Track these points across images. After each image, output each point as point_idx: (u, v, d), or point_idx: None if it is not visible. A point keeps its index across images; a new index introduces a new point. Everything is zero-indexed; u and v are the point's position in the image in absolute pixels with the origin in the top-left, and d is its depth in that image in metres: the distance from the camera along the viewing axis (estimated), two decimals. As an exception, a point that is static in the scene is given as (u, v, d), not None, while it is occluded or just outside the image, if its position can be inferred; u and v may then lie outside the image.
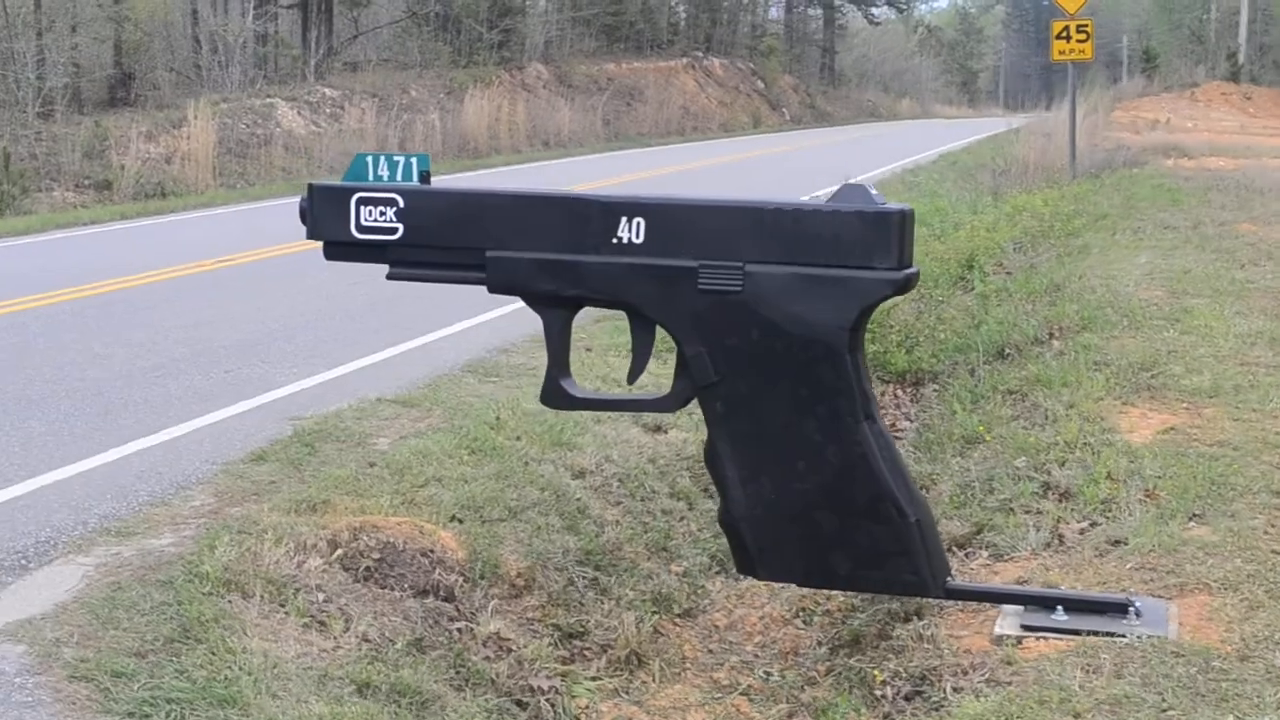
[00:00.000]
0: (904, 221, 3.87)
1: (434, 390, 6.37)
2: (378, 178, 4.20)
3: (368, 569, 4.29)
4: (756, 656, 4.69)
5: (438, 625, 4.21)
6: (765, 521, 4.00)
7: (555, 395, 4.15)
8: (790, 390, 3.93)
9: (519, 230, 4.05)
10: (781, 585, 5.18)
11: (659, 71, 37.39)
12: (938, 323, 8.64)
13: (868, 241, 3.89)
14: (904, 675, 3.95)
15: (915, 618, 4.37)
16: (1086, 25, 14.33)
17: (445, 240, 4.11)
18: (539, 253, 4.02)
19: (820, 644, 4.69)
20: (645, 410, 4.37)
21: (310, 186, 4.14)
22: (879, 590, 4.22)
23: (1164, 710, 3.38)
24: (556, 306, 4.07)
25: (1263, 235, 10.24)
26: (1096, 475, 5.08)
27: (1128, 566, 4.35)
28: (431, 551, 4.45)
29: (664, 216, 3.99)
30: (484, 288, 4.10)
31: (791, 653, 4.70)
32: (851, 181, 4.00)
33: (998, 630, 3.96)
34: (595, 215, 4.00)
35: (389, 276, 4.11)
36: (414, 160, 4.19)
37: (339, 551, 4.31)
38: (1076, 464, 5.25)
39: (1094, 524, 4.76)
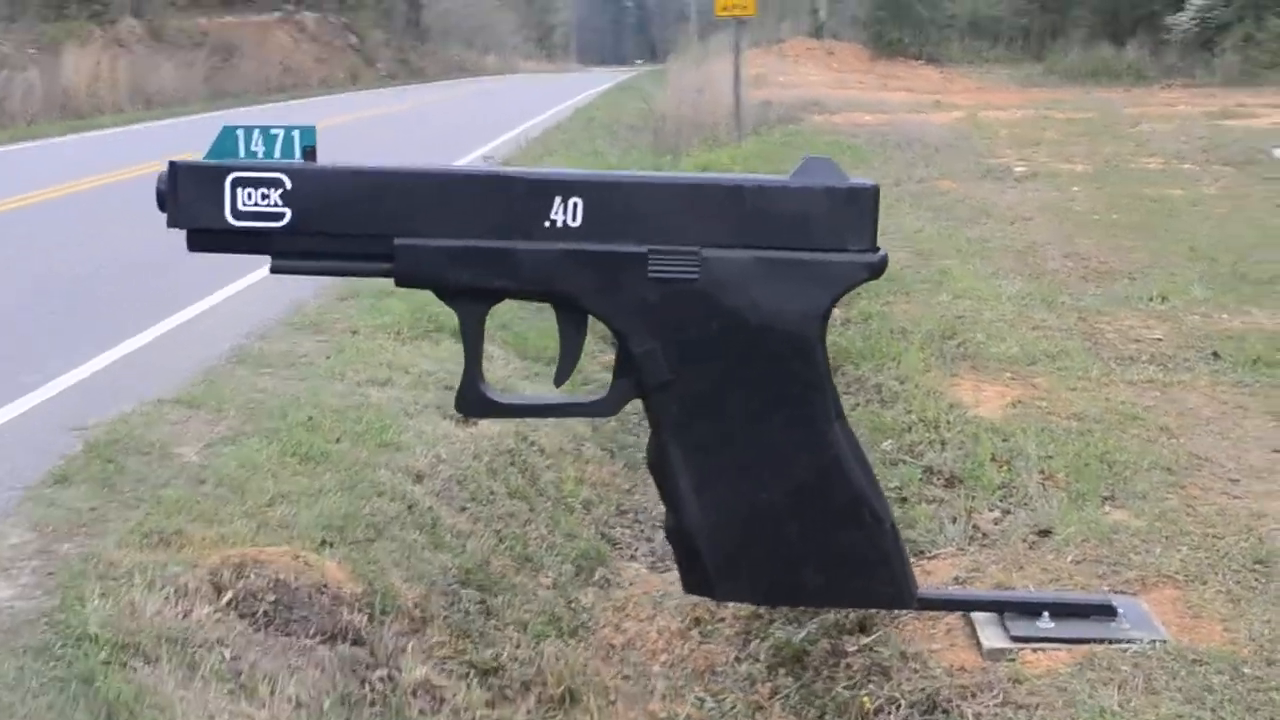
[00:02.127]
0: (877, 198, 3.47)
1: (213, 387, 5.68)
2: (250, 154, 3.50)
3: (265, 614, 3.68)
4: (672, 679, 4.26)
5: (357, 675, 3.63)
6: (725, 535, 3.56)
7: (474, 402, 3.58)
8: (755, 388, 3.49)
9: (434, 213, 3.44)
10: (661, 593, 4.78)
11: (253, 27, 36.02)
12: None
13: (839, 220, 3.46)
14: (902, 702, 3.59)
15: (860, 631, 4.03)
16: (750, -18, 14.29)
17: (343, 227, 3.46)
18: (458, 239, 3.43)
19: (740, 660, 4.30)
20: (581, 415, 3.86)
21: (172, 165, 3.41)
22: (852, 604, 3.85)
23: (1231, 730, 3.14)
24: (475, 300, 3.50)
25: (967, 192, 10.35)
26: (980, 458, 4.87)
27: (1068, 559, 4.13)
28: (325, 586, 3.87)
29: (606, 196, 3.45)
30: (389, 280, 3.49)
31: (708, 671, 4.30)
32: (815, 155, 3.57)
33: (986, 643, 3.65)
34: (523, 195, 3.43)
35: (274, 270, 3.45)
36: (295, 133, 3.52)
37: (228, 595, 3.67)
38: (951, 446, 5.02)
39: (1006, 512, 4.54)
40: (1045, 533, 4.32)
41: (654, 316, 3.53)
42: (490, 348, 6.74)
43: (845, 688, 3.81)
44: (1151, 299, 7.17)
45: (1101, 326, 6.66)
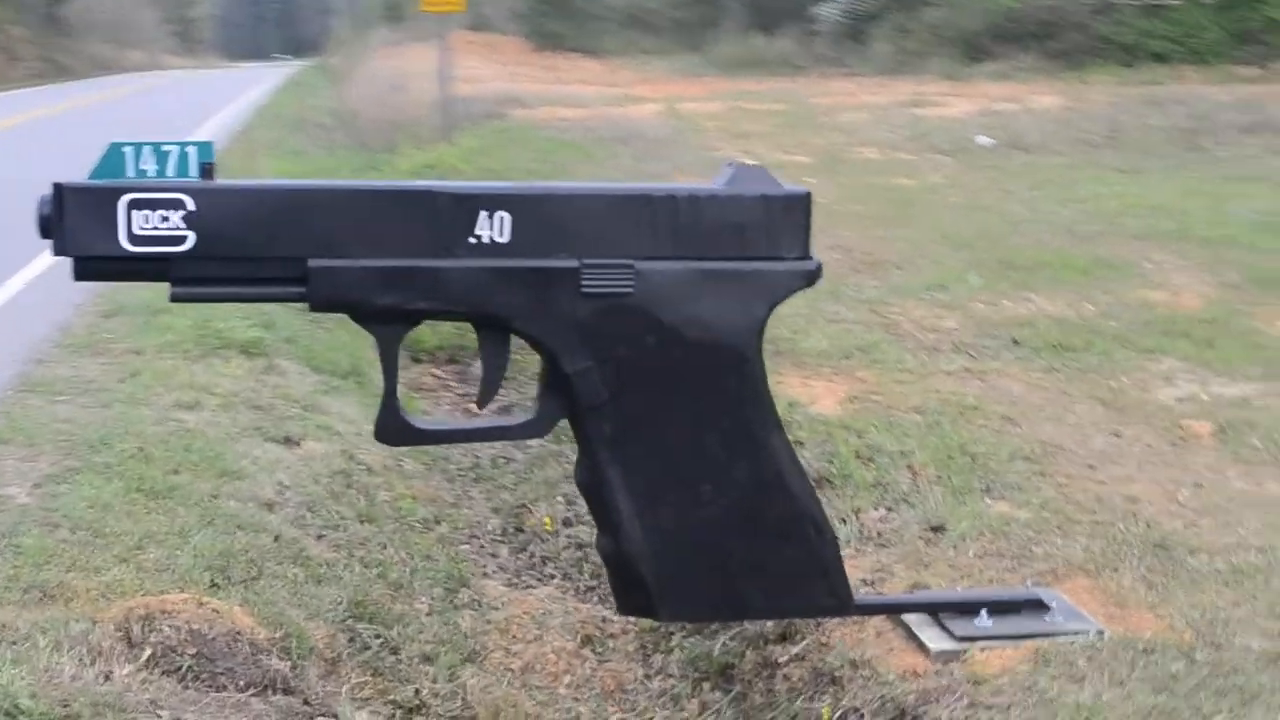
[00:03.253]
0: (810, 205, 3.40)
1: (11, 419, 5.26)
2: (140, 173, 3.16)
3: (190, 670, 3.40)
4: (586, 701, 4.13)
5: (298, 728, 3.40)
6: (666, 555, 3.44)
7: (396, 429, 3.33)
8: (692, 404, 3.38)
9: (350, 232, 3.18)
10: (542, 612, 4.63)
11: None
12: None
13: (774, 229, 3.37)
14: (864, 711, 3.53)
15: (785, 640, 3.97)
16: (456, -23, 14.07)
17: (252, 250, 3.15)
18: (377, 259, 3.19)
19: (649, 676, 4.19)
20: (510, 438, 3.66)
21: (57, 188, 3.05)
22: (795, 615, 3.78)
23: (1211, 717, 3.19)
24: (393, 323, 3.28)
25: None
26: (844, 456, 4.87)
27: (970, 555, 4.16)
28: (239, 634, 3.60)
29: (534, 209, 3.27)
30: (302, 304, 3.23)
31: (618, 690, 4.18)
32: (743, 161, 3.48)
33: (932, 645, 3.62)
34: (446, 210, 3.22)
35: (174, 298, 3.13)
36: (191, 149, 3.21)
37: (147, 652, 3.39)
38: (810, 445, 5.01)
39: (890, 510, 4.54)
40: (938, 529, 4.34)
41: (588, 334, 3.36)
42: (280, 361, 6.47)
43: (789, 699, 3.74)
44: (930, 288, 7.30)
45: (895, 317, 6.75)
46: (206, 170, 3.19)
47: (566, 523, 5.39)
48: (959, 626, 3.66)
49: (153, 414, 5.39)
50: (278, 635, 3.68)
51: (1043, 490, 4.49)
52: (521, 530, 5.51)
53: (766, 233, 3.38)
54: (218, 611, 3.64)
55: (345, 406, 6.16)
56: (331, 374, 6.48)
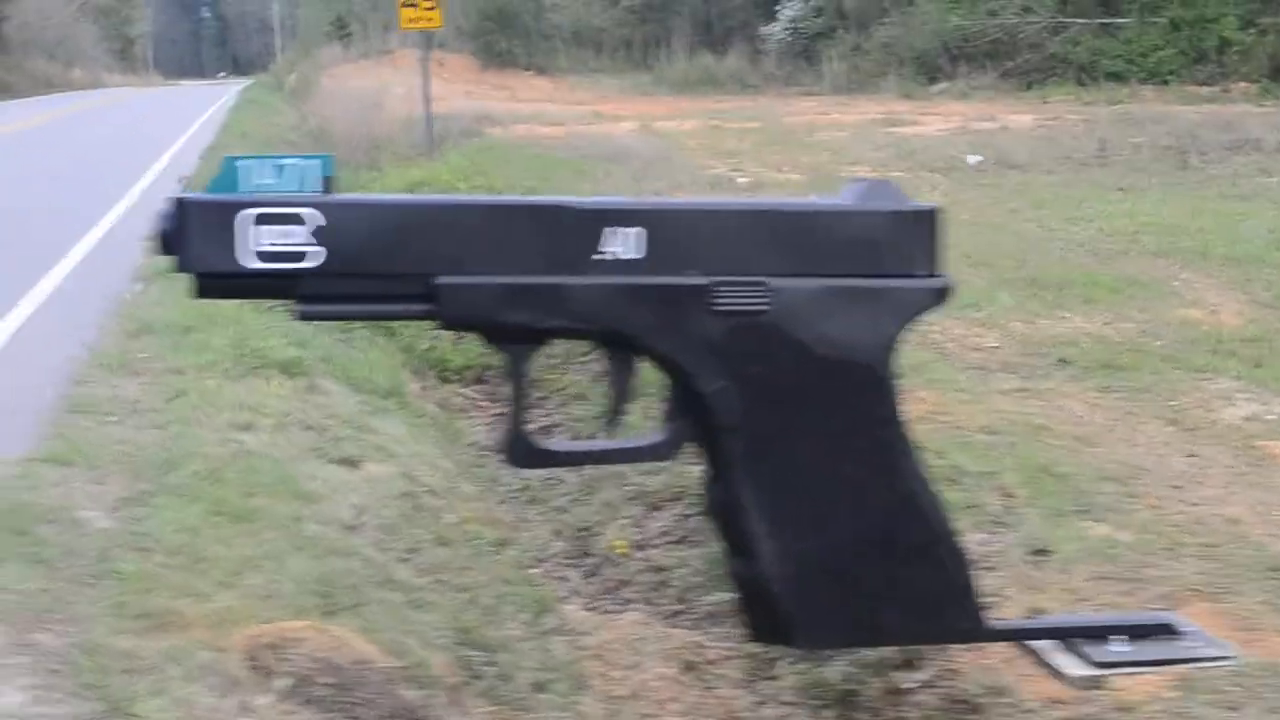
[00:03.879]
0: (940, 221, 3.33)
1: (68, 441, 5.12)
2: (258, 187, 3.01)
3: (328, 700, 3.30)
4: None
5: (441, 760, 3.30)
6: (802, 580, 3.35)
7: (527, 452, 3.22)
8: (826, 424, 3.29)
9: (479, 248, 3.05)
10: (636, 637, 4.55)
11: None
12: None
13: (905, 246, 3.29)
14: (1013, 741, 3.47)
15: (907, 667, 3.90)
16: (436, -8, 13.98)
17: (381, 266, 3.01)
18: (506, 276, 3.06)
19: (761, 703, 4.11)
20: (640, 460, 3.56)
21: (179, 201, 2.89)
22: (930, 641, 3.70)
23: None
24: (524, 343, 3.16)
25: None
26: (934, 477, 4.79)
27: (1081, 579, 4.10)
28: (366, 662, 3.50)
29: (665, 225, 3.16)
30: (431, 322, 3.12)
31: (728, 718, 4.09)
32: (873, 177, 3.41)
33: (1071, 671, 3.55)
34: (575, 226, 3.10)
35: (301, 316, 2.99)
36: (312, 162, 3.06)
37: (284, 682, 3.28)
38: (891, 465, 4.93)
39: (991, 533, 4.48)
40: (1041, 552, 4.28)
41: (721, 353, 3.27)
42: (321, 381, 6.36)
43: (920, 728, 3.67)
44: (964, 307, 7.26)
45: (937, 337, 6.71)
46: (327, 184, 3.07)
47: (638, 546, 5.29)
48: (1094, 652, 3.58)
49: (211, 435, 5.26)
50: (403, 664, 3.58)
51: (1138, 512, 4.44)
52: (588, 553, 5.42)
53: (897, 249, 3.30)
54: (341, 639, 3.55)
55: (392, 427, 6.05)
56: (372, 394, 6.38)
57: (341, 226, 3.03)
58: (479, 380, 7.69)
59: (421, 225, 3.13)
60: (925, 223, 3.27)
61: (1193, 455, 5.05)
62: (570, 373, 7.15)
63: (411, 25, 14.22)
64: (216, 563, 4.01)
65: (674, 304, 3.15)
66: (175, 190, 3.00)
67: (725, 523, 3.40)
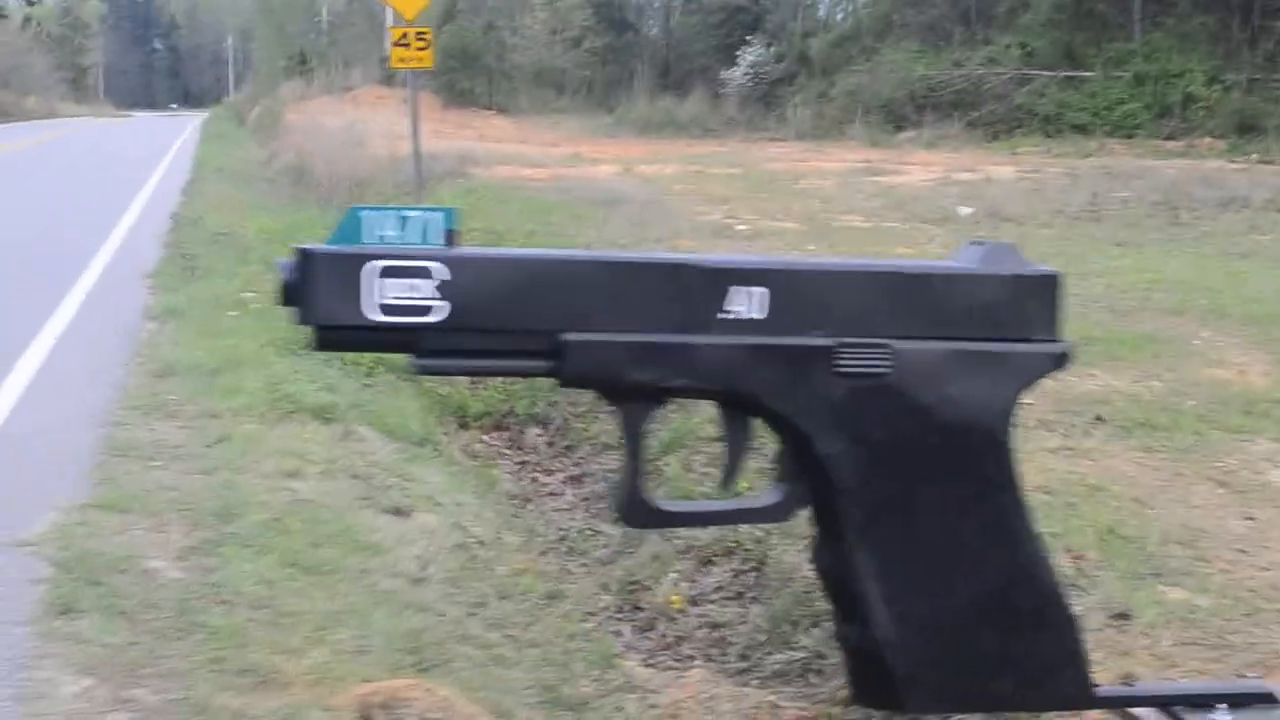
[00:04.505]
0: (1062, 287, 3.30)
1: (118, 487, 5.05)
2: (381, 239, 2.95)
3: (447, 763, 3.24)
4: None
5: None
6: (916, 645, 3.31)
7: (640, 511, 3.15)
8: (945, 488, 3.25)
9: (606, 306, 2.99)
10: (708, 695, 4.49)
11: None
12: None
13: (1026, 310, 3.25)
14: (1126, 809, 3.43)
15: (1004, 731, 3.86)
16: (426, 33, 13.91)
17: (505, 322, 2.94)
18: (632, 334, 3.01)
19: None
20: (754, 521, 3.53)
21: (304, 252, 2.82)
22: (1041, 708, 3.66)
23: None
24: (644, 400, 3.11)
25: (719, 253, 10.29)
26: (996, 536, 4.77)
27: (1167, 644, 4.06)
28: (476, 724, 3.44)
29: (791, 285, 3.11)
30: (549, 379, 3.05)
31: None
32: (993, 240, 3.38)
33: (1180, 741, 3.52)
34: (700, 284, 3.04)
35: (420, 370, 2.93)
36: (435, 215, 3.00)
37: (401, 744, 3.22)
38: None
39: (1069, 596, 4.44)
40: (1123, 616, 4.25)
41: (842, 415, 3.22)
42: (356, 428, 6.29)
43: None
44: (989, 362, 7.24)
45: (970, 392, 6.68)
46: (450, 237, 3.02)
47: (693, 601, 5.24)
48: (1203, 721, 3.55)
49: (261, 482, 5.20)
50: (506, 726, 3.53)
51: (1212, 576, 4.42)
52: (639, 607, 5.35)
53: (1018, 313, 3.27)
54: (447, 699, 3.48)
55: (431, 475, 5.99)
56: (407, 441, 6.31)
57: (467, 281, 2.98)
58: (498, 427, 7.62)
59: (548, 281, 3.07)
60: (1047, 287, 3.24)
61: (1250, 519, 5.04)
62: (599, 421, 7.10)
63: (402, 64, 14.14)
64: (301, 617, 3.95)
65: (797, 365, 3.10)
66: (298, 243, 2.94)
67: (838, 586, 3.35)
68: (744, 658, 4.83)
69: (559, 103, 41.62)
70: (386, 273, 2.84)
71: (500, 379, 7.65)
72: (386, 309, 2.84)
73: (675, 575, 5.45)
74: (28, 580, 4.14)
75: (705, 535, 5.53)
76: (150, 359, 7.02)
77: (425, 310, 2.87)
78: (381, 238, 2.95)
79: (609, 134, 32.47)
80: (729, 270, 3.06)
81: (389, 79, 40.46)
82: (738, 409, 3.19)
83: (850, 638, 3.36)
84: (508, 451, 7.33)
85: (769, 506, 3.30)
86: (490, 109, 39.48)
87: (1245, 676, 3.78)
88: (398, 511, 5.27)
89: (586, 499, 6.58)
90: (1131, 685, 3.86)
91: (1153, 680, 3.85)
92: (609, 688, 4.46)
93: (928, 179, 15.63)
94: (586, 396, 7.20)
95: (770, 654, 4.78)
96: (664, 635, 5.13)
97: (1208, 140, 23.44)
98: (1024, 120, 27.22)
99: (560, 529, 6.19)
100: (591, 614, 5.34)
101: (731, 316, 3.02)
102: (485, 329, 2.95)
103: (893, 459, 3.20)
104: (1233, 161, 19.14)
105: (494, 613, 4.63)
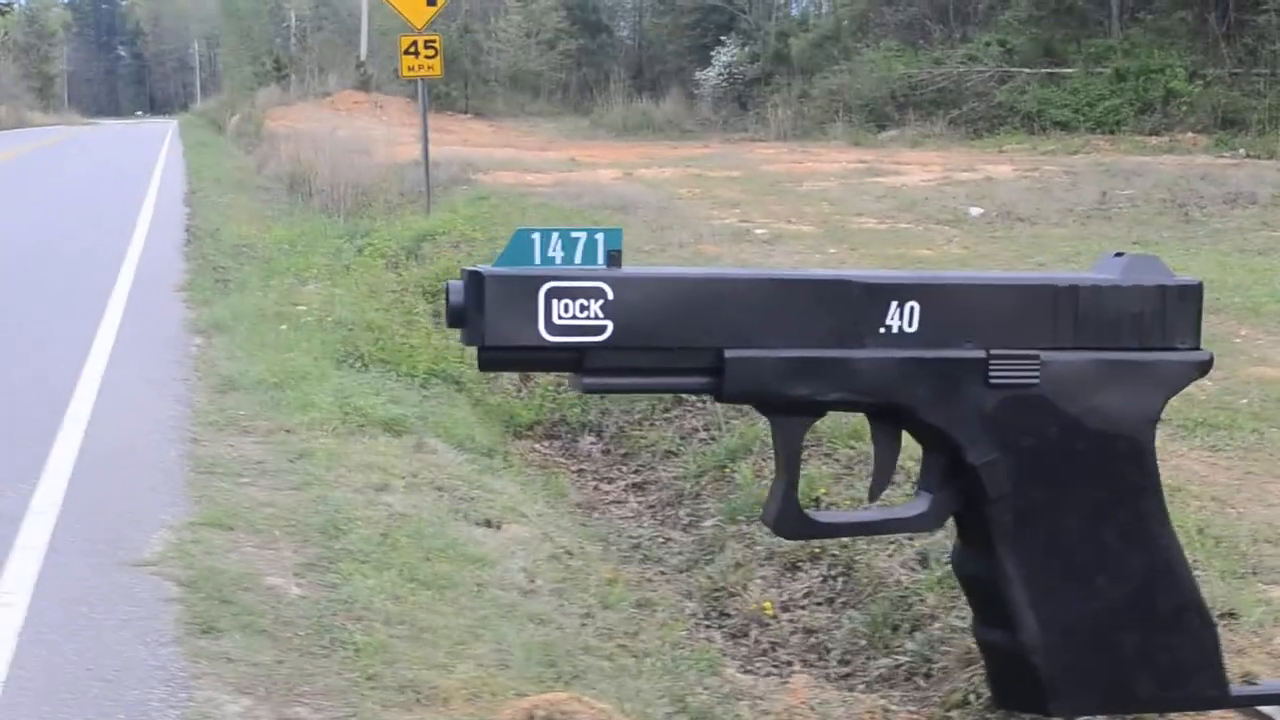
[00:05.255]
0: (1203, 296, 3.38)
1: (218, 505, 5.09)
2: (547, 260, 3.03)
3: (620, 774, 3.30)
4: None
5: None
6: (1061, 648, 3.38)
7: (794, 521, 3.22)
8: (1090, 494, 3.33)
9: (767, 322, 3.07)
10: (819, 701, 4.56)
11: None
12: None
13: (1170, 319, 3.34)
14: (1272, 806, 3.52)
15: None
16: (435, 41, 13.92)
17: (668, 339, 3.03)
18: (793, 349, 3.09)
19: (970, 768, 4.13)
20: (903, 531, 3.57)
21: (477, 275, 2.90)
22: (1180, 708, 3.73)
23: None
24: (801, 414, 3.18)
25: (739, 257, 10.36)
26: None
27: (1279, 642, 4.15)
28: (634, 736, 3.50)
29: (942, 299, 3.19)
30: (708, 397, 3.13)
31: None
32: (1136, 251, 3.46)
33: (1314, 737, 3.62)
34: (860, 299, 3.13)
35: (586, 389, 3.01)
36: (600, 236, 3.08)
37: (575, 756, 3.28)
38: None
39: (1168, 595, 4.52)
40: (1231, 615, 4.32)
41: (994, 425, 3.30)
42: (427, 440, 6.34)
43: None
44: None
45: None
46: (613, 257, 3.09)
47: (783, 607, 5.30)
48: (1333, 717, 3.64)
49: (355, 496, 5.25)
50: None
51: (1307, 574, 4.50)
52: (727, 614, 5.42)
53: (1162, 323, 3.35)
54: (605, 712, 3.54)
55: (506, 485, 6.05)
56: (475, 452, 6.37)
57: (631, 300, 3.05)
58: (549, 435, 7.68)
59: (711, 299, 3.15)
60: (1190, 297, 3.34)
61: (1329, 516, 5.12)
62: (657, 428, 7.16)
63: (412, 73, 14.15)
64: (438, 632, 4.00)
65: (951, 377, 3.18)
66: (470, 264, 3.01)
67: (984, 594, 3.42)
68: (845, 663, 4.89)
69: (535, 106, 41.65)
70: (554, 294, 2.92)
71: (549, 384, 7.71)
72: (554, 329, 2.91)
73: (761, 581, 5.51)
74: (160, 600, 4.19)
75: (788, 542, 5.59)
76: (208, 374, 7.06)
77: (594, 330, 2.95)
78: (549, 259, 3.02)
79: (586, 136, 32.51)
80: (888, 285, 3.14)
81: (365, 83, 40.41)
82: (888, 421, 3.26)
83: (995, 642, 3.44)
84: (562, 460, 7.38)
85: (918, 516, 3.37)
86: (466, 113, 39.45)
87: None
88: (489, 523, 5.32)
89: (652, 506, 6.64)
90: (1257, 684, 3.94)
91: (1275, 679, 3.94)
92: (721, 695, 4.52)
93: (929, 179, 15.72)
94: (641, 403, 7.26)
95: (873, 659, 4.85)
96: (758, 641, 5.19)
97: (1190, 135, 23.58)
98: (1006, 117, 27.31)
99: (631, 537, 6.24)
100: (675, 619, 5.40)
101: (889, 331, 3.10)
102: (648, 347, 3.02)
103: (1041, 467, 3.28)
104: (1220, 156, 19.26)
105: (601, 623, 4.69)
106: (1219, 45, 26.40)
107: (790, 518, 3.22)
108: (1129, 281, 3.34)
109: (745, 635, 5.26)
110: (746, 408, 6.02)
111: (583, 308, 2.99)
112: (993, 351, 3.24)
